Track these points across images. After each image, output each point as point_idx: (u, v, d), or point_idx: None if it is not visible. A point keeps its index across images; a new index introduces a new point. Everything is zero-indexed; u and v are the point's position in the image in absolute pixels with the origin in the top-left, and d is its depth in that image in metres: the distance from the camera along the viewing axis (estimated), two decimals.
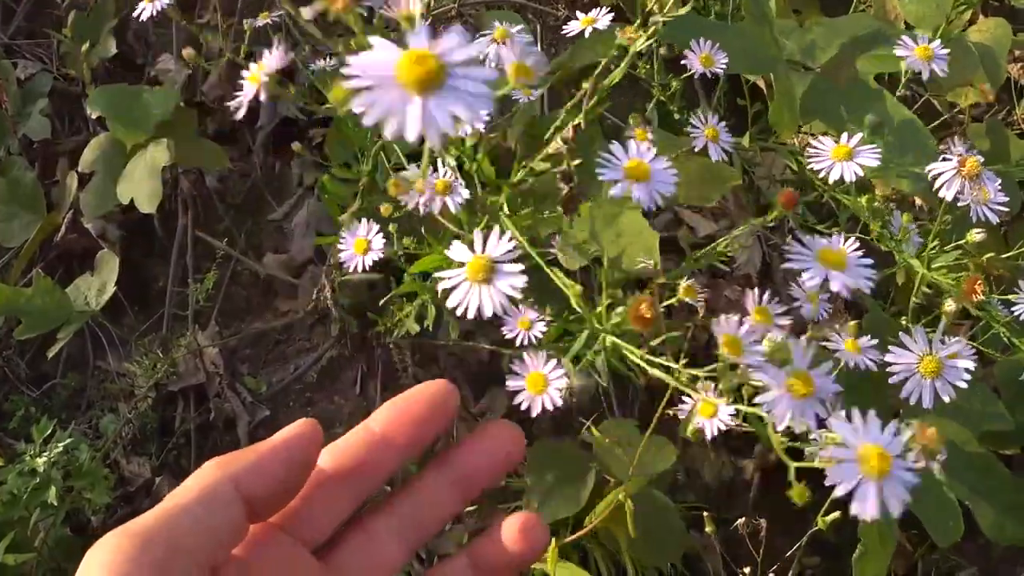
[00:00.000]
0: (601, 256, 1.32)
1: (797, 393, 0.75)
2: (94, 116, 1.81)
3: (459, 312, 0.83)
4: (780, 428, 0.74)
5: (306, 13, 0.73)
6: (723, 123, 1.32)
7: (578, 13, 1.36)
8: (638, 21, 1.13)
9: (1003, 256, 1.18)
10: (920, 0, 1.87)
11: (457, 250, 0.84)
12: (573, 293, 0.99)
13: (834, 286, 0.84)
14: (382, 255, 1.18)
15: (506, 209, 1.14)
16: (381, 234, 1.19)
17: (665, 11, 1.09)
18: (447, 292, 0.85)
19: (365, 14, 1.07)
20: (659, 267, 1.28)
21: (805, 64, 1.45)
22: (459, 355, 1.90)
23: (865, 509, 0.63)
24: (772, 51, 1.40)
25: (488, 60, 1.11)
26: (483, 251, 0.83)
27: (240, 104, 0.91)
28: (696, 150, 1.27)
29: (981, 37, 1.90)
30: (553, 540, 1.32)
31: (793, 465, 0.68)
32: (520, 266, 0.82)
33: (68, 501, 1.65)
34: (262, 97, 0.91)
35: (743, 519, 1.20)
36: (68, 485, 1.66)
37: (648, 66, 1.35)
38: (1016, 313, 1.27)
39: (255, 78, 0.90)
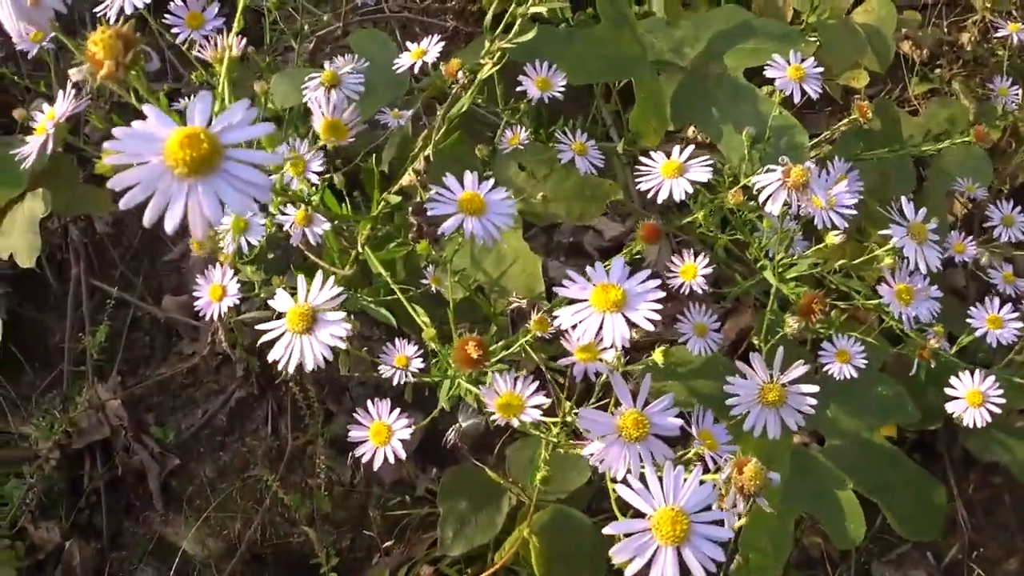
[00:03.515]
0: (483, 284, 1.28)
1: (629, 436, 0.72)
2: None
3: (280, 367, 0.79)
4: (618, 477, 0.71)
5: (74, 75, 0.68)
6: (610, 130, 1.28)
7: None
8: (487, 46, 1.10)
9: (856, 260, 1.15)
10: None
11: (280, 299, 0.80)
12: (428, 336, 0.95)
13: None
14: (238, 300, 1.14)
15: (366, 243, 1.10)
16: (237, 279, 1.14)
17: (513, 34, 1.05)
18: (270, 344, 0.81)
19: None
20: (542, 291, 1.24)
21: (675, 62, 1.41)
22: (371, 384, 1.86)
23: None
24: (634, 53, 1.36)
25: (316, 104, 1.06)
26: (305, 299, 0.79)
27: (27, 155, 0.86)
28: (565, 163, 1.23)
29: (867, 18, 1.89)
30: None
31: (608, 530, 0.65)
32: (342, 314, 0.78)
33: None
34: (49, 148, 0.86)
35: None
36: None
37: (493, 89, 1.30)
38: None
39: (42, 128, 0.85)
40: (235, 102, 0.49)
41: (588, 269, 0.73)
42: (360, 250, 1.12)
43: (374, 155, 1.14)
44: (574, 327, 0.70)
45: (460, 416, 1.28)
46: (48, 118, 0.81)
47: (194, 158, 0.45)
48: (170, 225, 0.45)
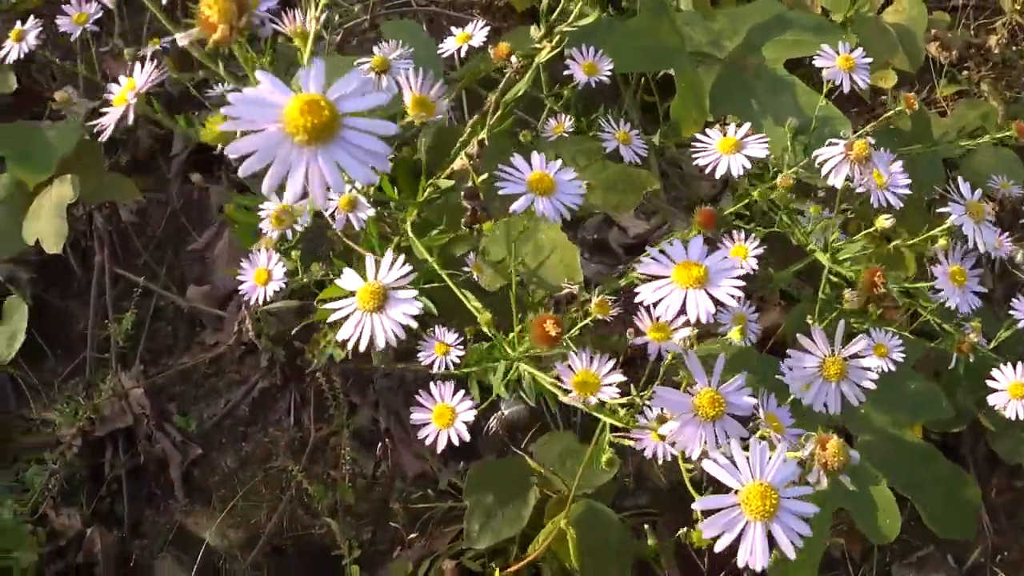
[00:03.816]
0: (521, 275, 1.28)
1: (706, 415, 0.71)
2: None
3: (350, 345, 0.79)
4: (693, 456, 0.71)
5: (181, 40, 0.67)
6: (636, 122, 1.27)
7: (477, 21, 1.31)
8: (542, 31, 1.10)
9: (911, 242, 1.15)
10: None
11: (348, 278, 0.80)
12: (484, 320, 0.95)
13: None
14: (284, 284, 1.13)
15: (410, 229, 1.09)
16: (283, 263, 1.14)
17: (573, 17, 1.05)
18: (339, 323, 0.80)
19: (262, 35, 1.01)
20: (581, 282, 1.24)
21: (713, 54, 1.41)
22: (396, 376, 1.85)
23: (755, 559, 0.59)
24: (673, 44, 1.36)
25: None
26: (375, 277, 0.78)
27: (106, 127, 0.86)
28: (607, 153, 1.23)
29: (898, 18, 1.89)
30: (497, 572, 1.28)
31: (697, 505, 0.64)
32: (414, 292, 0.78)
33: None
34: (130, 119, 0.85)
35: (685, 529, 1.16)
36: None
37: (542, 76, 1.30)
38: (942, 299, 1.25)
39: (122, 98, 0.84)
40: (349, 71, 0.48)
41: (666, 246, 0.73)
42: (403, 236, 1.11)
43: (419, 142, 1.13)
44: (656, 304, 0.70)
45: (502, 404, 1.27)
46: (128, 88, 0.80)
47: (315, 125, 0.44)
48: (291, 194, 0.44)
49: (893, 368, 1.25)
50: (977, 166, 1.76)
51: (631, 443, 0.86)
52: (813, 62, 1.24)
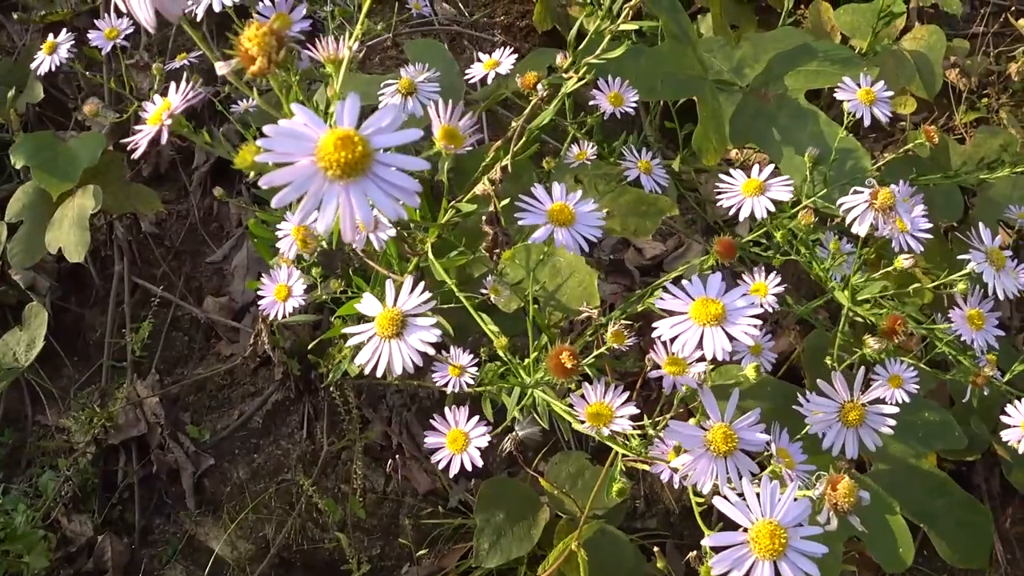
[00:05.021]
0: (539, 297, 1.28)
1: (718, 451, 0.72)
2: (18, 166, 1.75)
3: (367, 371, 0.79)
4: (704, 490, 0.71)
5: (220, 68, 0.68)
6: (657, 148, 1.28)
7: (499, 44, 1.31)
8: (569, 60, 1.10)
9: (929, 286, 1.15)
10: (854, 10, 1.87)
11: (367, 303, 0.80)
12: (499, 346, 0.95)
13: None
14: (304, 301, 1.14)
15: (430, 253, 1.10)
16: (303, 279, 1.14)
17: (601, 50, 1.05)
18: (357, 348, 0.81)
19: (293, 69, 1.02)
20: (598, 306, 1.24)
21: (735, 82, 1.41)
22: (409, 392, 1.86)
23: None
24: (696, 71, 1.36)
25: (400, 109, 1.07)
26: (395, 304, 0.79)
27: (138, 144, 0.86)
28: (629, 181, 1.23)
29: (916, 45, 1.89)
30: None
31: (707, 542, 0.65)
32: (433, 319, 0.78)
33: (4, 565, 1.59)
34: (163, 139, 0.86)
35: (694, 553, 1.16)
36: (4, 549, 1.60)
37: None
38: (956, 331, 1.25)
39: (157, 118, 0.85)
40: (349, 102, 0.49)
41: (685, 283, 0.73)
42: (422, 257, 1.12)
43: (440, 164, 1.14)
44: (673, 339, 0.70)
45: (516, 426, 1.28)
46: (163, 108, 0.81)
47: (348, 160, 0.45)
48: (322, 226, 0.44)
49: (907, 399, 1.25)
50: (995, 195, 1.76)
51: (645, 467, 0.87)
52: (834, 94, 1.24)
